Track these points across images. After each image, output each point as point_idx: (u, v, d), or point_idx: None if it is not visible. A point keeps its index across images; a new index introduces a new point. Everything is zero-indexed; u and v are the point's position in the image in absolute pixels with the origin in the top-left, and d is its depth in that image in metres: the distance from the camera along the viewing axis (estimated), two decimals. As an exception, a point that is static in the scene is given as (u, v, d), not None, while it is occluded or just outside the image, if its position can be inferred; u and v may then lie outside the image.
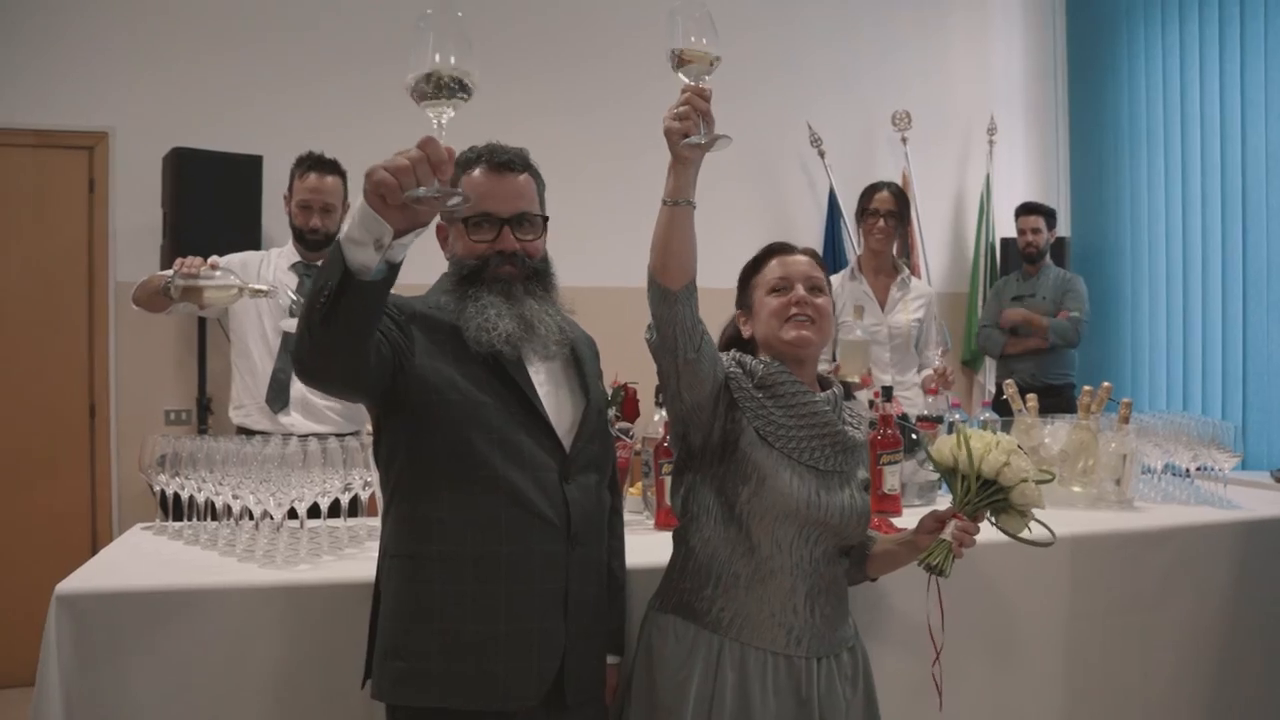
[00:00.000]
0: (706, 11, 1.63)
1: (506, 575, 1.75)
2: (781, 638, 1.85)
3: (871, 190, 4.05)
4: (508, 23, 5.17)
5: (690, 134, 1.62)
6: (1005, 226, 5.66)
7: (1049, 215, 5.22)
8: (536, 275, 1.88)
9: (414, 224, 1.44)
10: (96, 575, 2.10)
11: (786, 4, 5.55)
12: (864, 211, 4.06)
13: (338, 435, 2.44)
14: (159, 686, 1.95)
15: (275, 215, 4.45)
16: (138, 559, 2.28)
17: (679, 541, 1.96)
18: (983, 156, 5.97)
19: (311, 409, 3.37)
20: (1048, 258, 5.18)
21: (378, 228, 1.40)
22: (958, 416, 3.04)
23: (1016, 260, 5.36)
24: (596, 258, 4.50)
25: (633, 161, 5.11)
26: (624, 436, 2.56)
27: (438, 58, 1.40)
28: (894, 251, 4.10)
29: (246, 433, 3.20)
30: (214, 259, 2.86)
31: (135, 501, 4.48)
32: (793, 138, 5.59)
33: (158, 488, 2.50)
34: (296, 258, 3.49)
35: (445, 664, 1.73)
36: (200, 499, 2.43)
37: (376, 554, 2.11)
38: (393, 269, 1.49)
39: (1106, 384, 3.01)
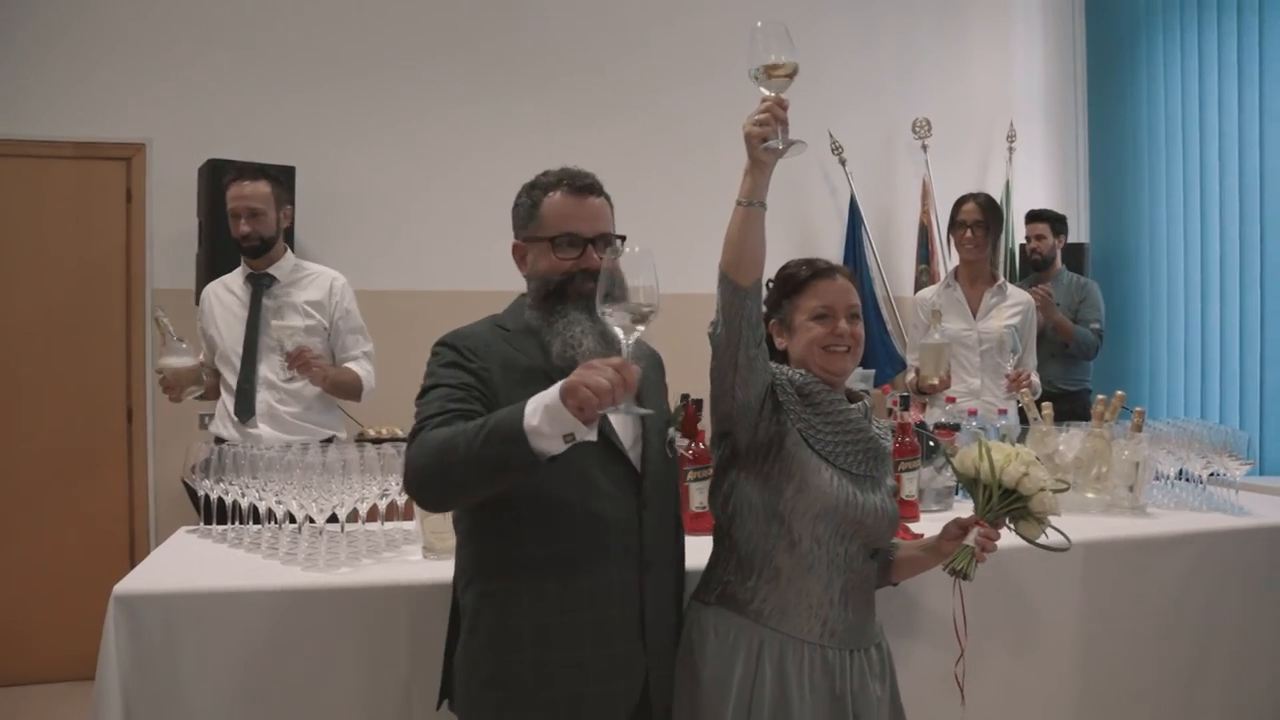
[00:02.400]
0: (785, 28, 1.75)
1: (589, 605, 1.84)
2: (817, 629, 1.94)
3: (959, 203, 4.10)
4: (533, 35, 5.28)
5: (769, 139, 1.74)
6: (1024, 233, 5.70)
7: (1054, 221, 5.22)
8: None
9: (593, 419, 1.61)
10: (150, 576, 2.21)
11: (808, 12, 5.60)
12: (953, 223, 4.13)
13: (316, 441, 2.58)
14: (212, 683, 2.05)
15: (308, 224, 4.57)
16: (187, 561, 2.39)
17: (721, 536, 2.04)
18: (1002, 163, 6.02)
19: (279, 420, 3.49)
20: (1060, 263, 5.22)
21: (572, 426, 1.60)
22: (974, 424, 3.11)
23: (1028, 266, 5.41)
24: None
25: (658, 169, 5.22)
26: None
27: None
28: (990, 259, 4.10)
29: (219, 442, 3.26)
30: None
31: (172, 503, 4.59)
32: (814, 145, 5.60)
33: (201, 492, 2.61)
34: (249, 270, 3.60)
35: (539, 690, 1.82)
36: (244, 504, 2.53)
37: (415, 558, 2.18)
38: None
39: (1120, 393, 3.07)
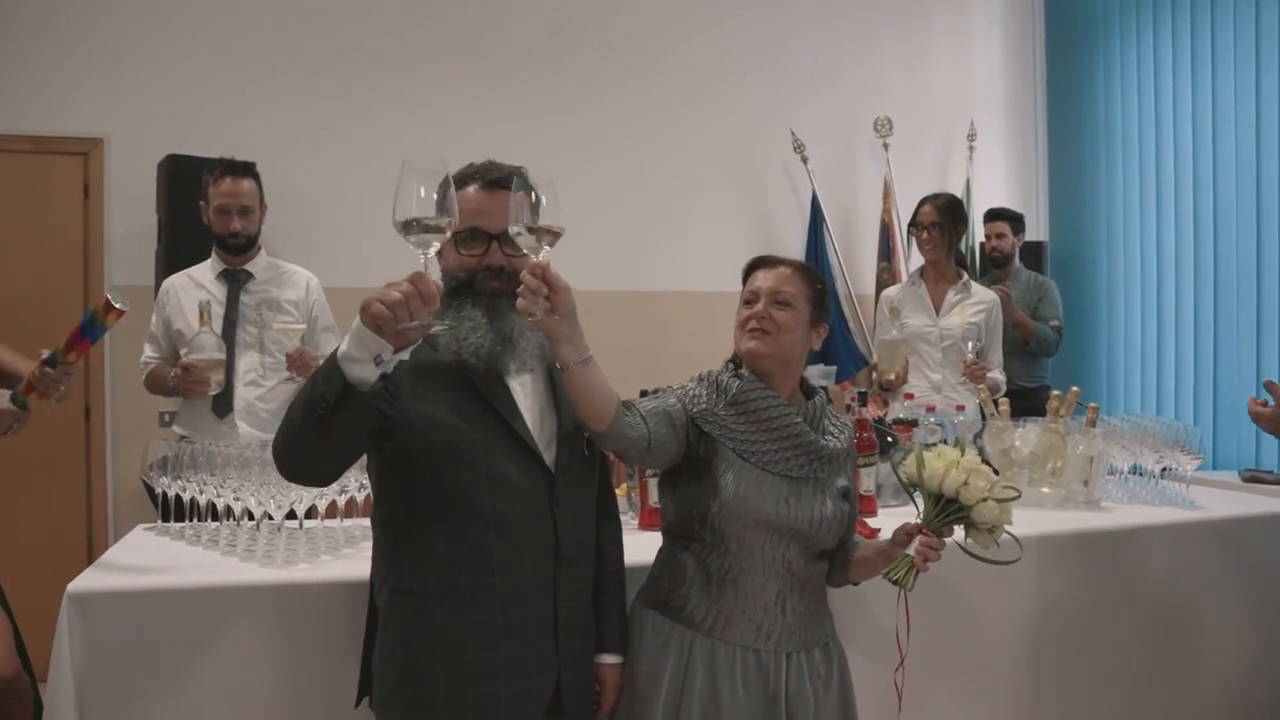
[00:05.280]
0: (552, 183, 1.68)
1: (501, 604, 1.82)
2: (751, 633, 1.97)
3: (919, 205, 4.19)
4: (496, 25, 5.27)
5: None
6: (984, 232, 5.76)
7: (1014, 220, 5.30)
8: None
9: (406, 343, 1.59)
10: (104, 575, 2.18)
11: (769, 13, 5.65)
12: (912, 224, 4.22)
13: None
14: (167, 681, 2.04)
15: (268, 219, 4.52)
16: (143, 559, 2.36)
17: (663, 544, 2.09)
18: (963, 162, 6.08)
19: (256, 417, 3.47)
20: (1018, 262, 5.30)
21: (377, 346, 1.56)
22: (932, 419, 3.14)
23: (987, 264, 5.48)
24: (584, 261, 4.58)
25: (621, 163, 5.23)
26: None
27: (415, 207, 1.56)
28: (950, 258, 4.16)
29: (189, 442, 3.24)
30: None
31: (130, 502, 4.55)
32: (776, 144, 5.68)
33: (159, 489, 2.59)
34: (223, 266, 3.56)
35: (451, 690, 1.80)
36: (202, 501, 2.51)
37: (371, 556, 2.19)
38: (383, 378, 1.62)
39: (1075, 388, 3.11)
